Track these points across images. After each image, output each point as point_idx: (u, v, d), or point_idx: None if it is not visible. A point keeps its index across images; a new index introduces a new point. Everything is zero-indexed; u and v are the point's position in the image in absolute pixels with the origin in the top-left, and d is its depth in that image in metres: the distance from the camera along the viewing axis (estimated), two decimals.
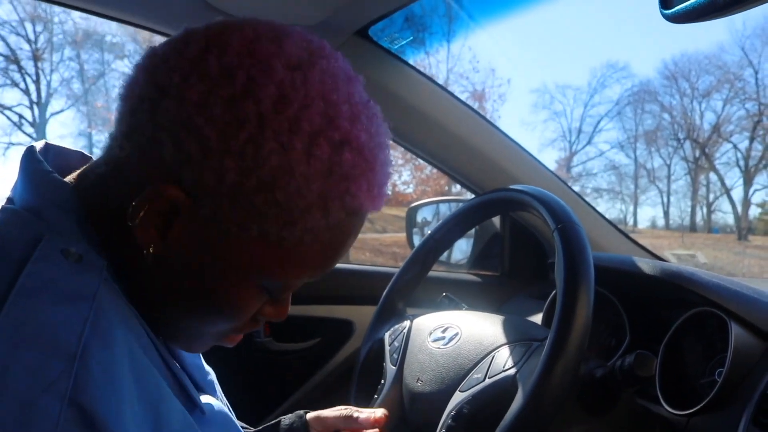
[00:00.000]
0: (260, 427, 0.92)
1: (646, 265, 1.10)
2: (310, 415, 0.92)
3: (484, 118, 1.53)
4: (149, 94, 0.50)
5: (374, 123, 0.55)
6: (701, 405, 0.90)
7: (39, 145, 0.60)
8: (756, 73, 21.68)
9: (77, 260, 0.49)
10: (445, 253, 1.80)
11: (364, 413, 0.88)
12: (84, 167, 0.59)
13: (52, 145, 0.62)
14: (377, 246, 16.56)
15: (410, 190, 17.38)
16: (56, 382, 0.40)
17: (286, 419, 0.92)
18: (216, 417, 0.66)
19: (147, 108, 0.50)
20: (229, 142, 0.47)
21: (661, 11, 0.58)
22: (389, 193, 0.57)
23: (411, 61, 1.43)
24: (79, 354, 0.42)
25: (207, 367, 0.76)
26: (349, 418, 0.89)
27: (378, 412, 0.88)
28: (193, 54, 0.50)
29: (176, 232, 0.52)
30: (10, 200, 0.57)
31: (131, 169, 0.53)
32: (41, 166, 0.56)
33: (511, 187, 1.03)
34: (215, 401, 0.68)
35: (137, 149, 0.51)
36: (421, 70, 1.44)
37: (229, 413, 0.71)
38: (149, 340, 0.55)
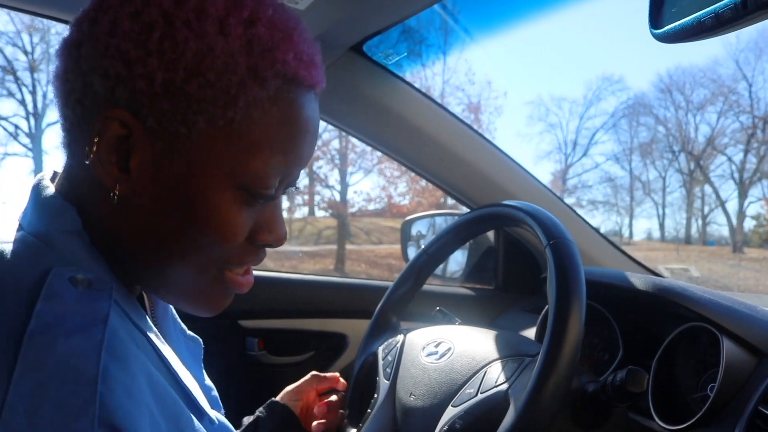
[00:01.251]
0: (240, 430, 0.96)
1: (638, 280, 1.11)
2: (281, 395, 1.08)
3: (477, 133, 1.54)
4: (67, 57, 0.53)
5: (278, 5, 0.57)
6: (693, 420, 0.90)
7: (48, 174, 0.62)
8: (750, 86, 21.86)
9: (87, 286, 0.50)
10: (443, 266, 1.81)
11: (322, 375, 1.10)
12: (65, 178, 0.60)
13: (58, 171, 0.63)
14: (373, 258, 16.57)
15: (406, 201, 17.43)
16: (85, 407, 0.42)
17: (261, 410, 1.05)
18: (224, 430, 0.67)
19: (71, 69, 0.53)
20: (146, 45, 0.50)
21: (651, 31, 0.59)
22: (321, 65, 0.60)
23: (407, 74, 1.44)
24: (100, 378, 0.44)
25: (209, 383, 0.76)
26: (315, 377, 1.11)
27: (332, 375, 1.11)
28: (92, 6, 0.53)
29: (135, 161, 0.53)
30: (21, 227, 0.57)
31: (79, 136, 0.54)
32: (48, 191, 0.57)
33: (504, 202, 1.04)
34: (220, 416, 0.69)
35: (78, 109, 0.53)
36: (418, 82, 1.46)
37: (232, 429, 0.72)
38: (157, 356, 0.56)
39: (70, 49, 0.53)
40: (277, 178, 0.58)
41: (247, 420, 1.05)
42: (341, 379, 1.15)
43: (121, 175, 0.53)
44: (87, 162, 0.52)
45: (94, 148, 0.52)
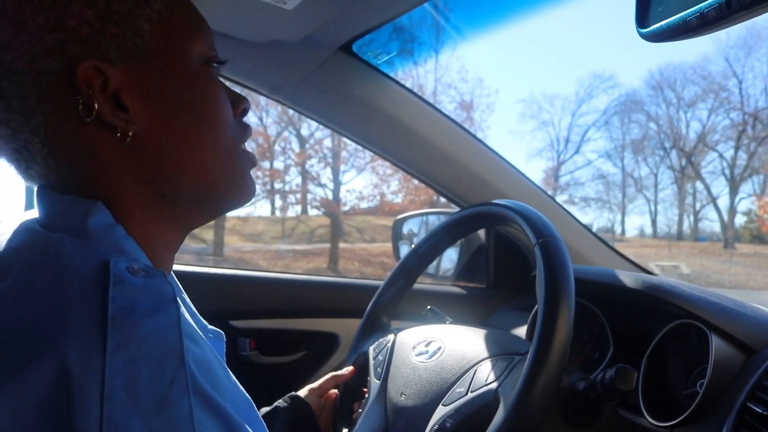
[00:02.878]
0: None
1: (628, 277, 1.11)
2: (302, 391, 1.10)
3: (468, 131, 1.54)
4: (3, 76, 0.55)
5: None
6: (683, 416, 0.91)
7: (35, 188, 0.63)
8: (740, 83, 21.98)
9: (145, 275, 0.52)
10: (434, 265, 1.81)
11: (340, 373, 1.15)
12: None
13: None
14: (366, 256, 16.56)
15: (399, 199, 17.43)
16: (176, 378, 0.46)
17: (281, 401, 1.07)
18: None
19: (8, 81, 0.54)
20: (56, 3, 0.54)
21: (637, 30, 0.59)
22: None
23: (399, 72, 1.43)
24: (184, 352, 0.47)
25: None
26: (334, 377, 1.14)
27: (347, 368, 1.16)
28: None
29: (126, 95, 0.57)
30: (48, 227, 0.57)
31: (58, 123, 0.56)
32: (61, 195, 0.59)
33: (494, 201, 1.04)
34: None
35: (44, 105, 0.55)
36: (410, 80, 1.46)
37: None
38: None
39: None
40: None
41: (264, 411, 1.05)
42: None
43: (126, 114, 0.57)
44: (92, 118, 0.55)
45: (97, 103, 0.55)
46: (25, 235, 0.56)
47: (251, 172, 0.70)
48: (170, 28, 0.61)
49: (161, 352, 0.47)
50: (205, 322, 0.76)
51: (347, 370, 1.16)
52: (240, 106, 0.68)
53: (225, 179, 0.65)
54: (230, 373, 0.60)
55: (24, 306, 0.48)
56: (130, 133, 0.57)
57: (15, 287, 0.49)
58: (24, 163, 0.58)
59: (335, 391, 1.15)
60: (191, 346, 0.50)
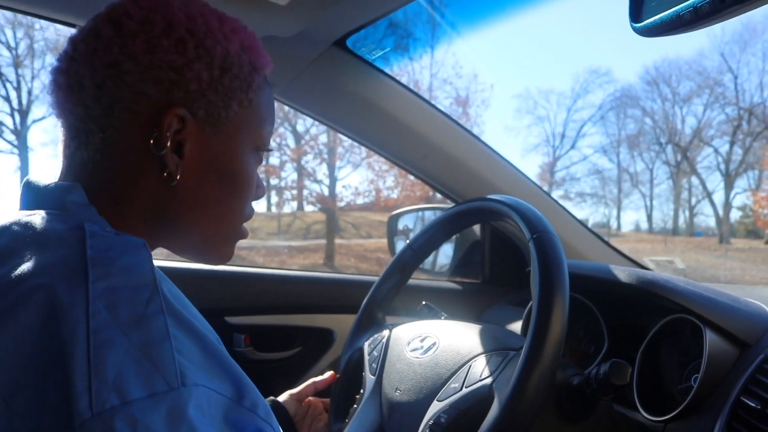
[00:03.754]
0: None
1: (622, 272, 1.11)
2: (282, 396, 1.12)
3: (463, 127, 1.54)
4: (104, 76, 0.62)
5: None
6: (677, 411, 0.91)
7: (36, 175, 0.69)
8: (735, 78, 22.05)
9: (116, 234, 0.60)
10: (429, 260, 1.81)
11: (320, 379, 1.16)
12: (65, 182, 0.66)
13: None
14: (362, 252, 16.57)
15: (395, 195, 17.43)
16: (151, 300, 0.52)
17: None
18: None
19: (110, 84, 0.62)
20: (186, 54, 0.63)
21: (631, 25, 0.60)
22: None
23: (394, 68, 1.43)
24: (157, 282, 0.54)
25: None
26: (314, 384, 1.15)
27: (327, 374, 1.17)
28: (113, 25, 0.63)
29: (188, 146, 0.65)
30: (30, 208, 0.64)
31: (127, 134, 0.64)
32: (45, 185, 0.65)
33: (489, 196, 1.04)
34: None
35: (124, 115, 0.63)
36: (405, 75, 1.46)
37: None
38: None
39: (100, 70, 0.62)
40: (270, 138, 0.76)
41: None
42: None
43: (179, 160, 0.65)
44: (158, 153, 0.63)
45: (168, 144, 0.63)
46: (7, 216, 0.63)
47: None
48: (250, 116, 0.70)
49: (137, 281, 0.54)
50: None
51: (328, 374, 1.17)
52: (260, 191, 0.77)
53: (218, 244, 0.74)
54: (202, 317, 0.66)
55: (12, 260, 0.55)
56: (177, 177, 0.65)
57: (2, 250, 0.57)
58: (77, 142, 0.65)
59: (313, 399, 1.15)
60: (164, 284, 0.57)
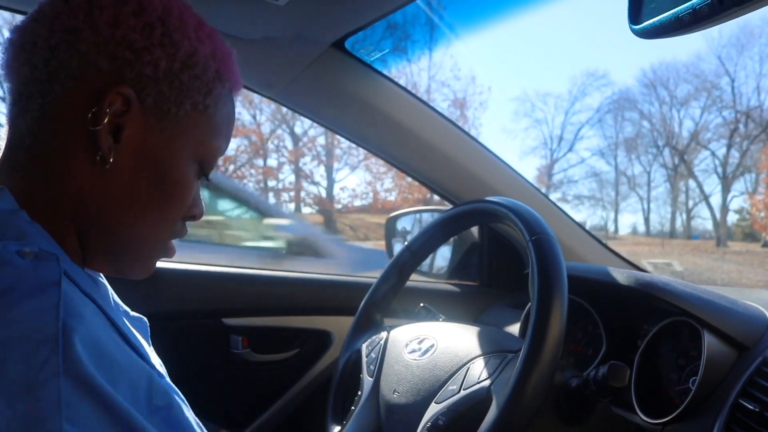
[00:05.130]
0: None
1: (620, 275, 1.11)
2: None
3: (461, 129, 1.54)
4: (59, 39, 0.60)
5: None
6: (676, 413, 0.91)
7: None
8: (732, 81, 22.08)
9: (34, 258, 0.53)
10: (427, 262, 1.81)
11: None
12: (3, 156, 0.63)
13: None
14: None
15: (392, 197, 17.44)
16: (47, 361, 0.46)
17: None
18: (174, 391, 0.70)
19: (64, 48, 0.60)
20: (151, 38, 0.61)
21: (630, 27, 0.59)
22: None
23: (392, 70, 1.43)
24: (60, 334, 0.47)
25: (162, 370, 0.77)
26: None
27: None
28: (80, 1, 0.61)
29: (127, 132, 0.62)
30: None
31: (67, 104, 0.60)
32: None
33: (487, 198, 1.04)
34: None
35: (69, 83, 0.60)
36: (403, 77, 1.46)
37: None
38: (109, 322, 0.59)
39: (56, 34, 0.60)
40: (219, 158, 0.73)
41: None
42: None
43: (114, 144, 0.61)
44: (93, 128, 0.59)
45: (105, 120, 0.60)
46: None
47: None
48: (203, 122, 0.67)
49: (36, 335, 0.47)
50: (126, 308, 0.80)
51: None
52: (195, 210, 0.73)
53: (140, 255, 0.70)
54: (140, 350, 0.61)
55: None
56: (110, 161, 0.61)
57: None
58: (17, 108, 0.62)
59: None
60: (77, 325, 0.49)
